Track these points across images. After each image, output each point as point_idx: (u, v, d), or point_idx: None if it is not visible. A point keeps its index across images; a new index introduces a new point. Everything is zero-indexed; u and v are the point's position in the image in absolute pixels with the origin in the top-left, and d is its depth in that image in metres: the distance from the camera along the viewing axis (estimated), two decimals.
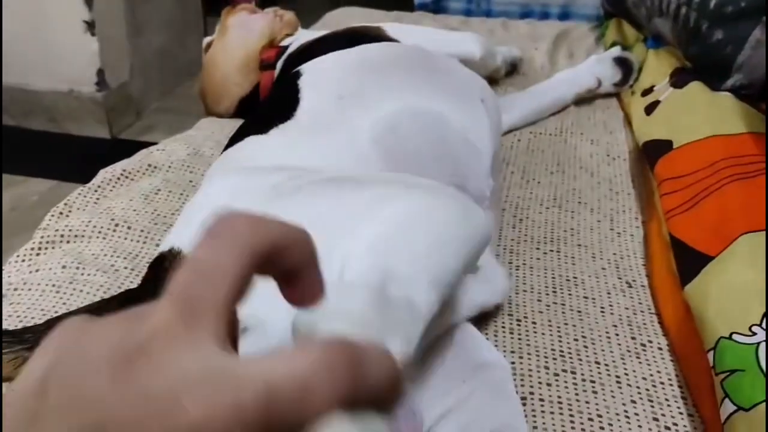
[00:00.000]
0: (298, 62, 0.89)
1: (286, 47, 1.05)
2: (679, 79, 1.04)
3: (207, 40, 1.16)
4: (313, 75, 0.79)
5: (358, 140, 0.69)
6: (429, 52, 0.88)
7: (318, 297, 0.29)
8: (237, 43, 1.08)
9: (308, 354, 0.22)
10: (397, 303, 0.43)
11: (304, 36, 1.07)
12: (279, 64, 1.02)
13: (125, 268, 0.75)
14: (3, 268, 0.76)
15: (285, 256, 0.27)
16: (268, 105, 0.85)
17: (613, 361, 0.66)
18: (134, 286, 0.70)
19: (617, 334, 0.70)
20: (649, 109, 1.04)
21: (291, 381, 0.21)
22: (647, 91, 1.10)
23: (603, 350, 0.68)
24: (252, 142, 0.70)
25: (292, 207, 0.54)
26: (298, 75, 0.79)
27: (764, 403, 0.50)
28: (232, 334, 0.26)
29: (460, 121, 0.77)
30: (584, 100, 1.21)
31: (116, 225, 0.80)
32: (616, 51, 1.22)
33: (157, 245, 0.78)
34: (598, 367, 0.66)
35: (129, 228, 0.80)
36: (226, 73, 1.07)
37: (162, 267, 0.56)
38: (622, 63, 1.21)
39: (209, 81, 1.10)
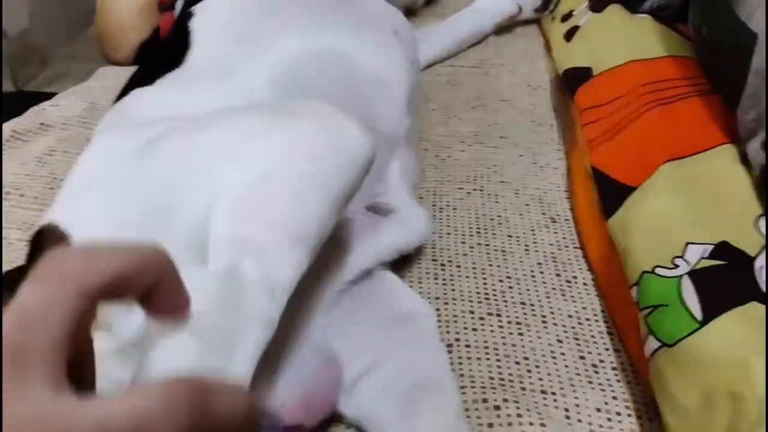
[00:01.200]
0: (192, 2, 0.82)
1: None
2: (597, 3, 1.02)
3: None
4: (205, 16, 0.72)
5: (255, 86, 0.63)
6: None
7: (182, 309, 0.30)
8: None
9: (148, 393, 0.22)
10: (251, 284, 0.41)
11: None
12: (178, 4, 0.95)
13: (19, 240, 0.69)
14: None
15: (133, 282, 0.27)
16: (156, 52, 0.78)
17: (539, 301, 0.65)
18: None
19: (542, 272, 0.69)
20: (569, 35, 1.01)
21: (126, 421, 0.21)
22: (567, 17, 1.07)
23: (528, 290, 0.67)
24: (137, 95, 0.64)
25: (156, 161, 0.50)
26: (189, 17, 0.72)
27: (688, 338, 0.50)
28: (79, 370, 0.26)
29: (370, 57, 0.72)
30: (504, 28, 1.17)
31: (7, 192, 0.74)
32: None
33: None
34: (524, 308, 0.64)
35: (22, 195, 0.74)
36: (122, 18, 0.99)
37: (40, 245, 0.51)
38: None
39: (105, 27, 1.02)
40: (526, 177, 0.82)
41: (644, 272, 0.57)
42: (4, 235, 0.69)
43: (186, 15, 0.74)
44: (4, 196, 0.73)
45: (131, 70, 0.99)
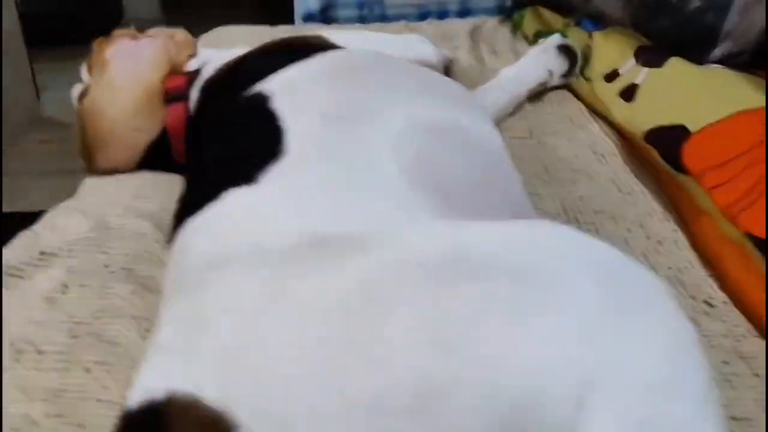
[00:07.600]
0: (227, 87, 0.68)
1: (197, 71, 0.82)
2: (650, 58, 0.93)
3: (79, 87, 0.89)
4: (288, 95, 0.57)
5: (385, 172, 0.49)
6: (400, 59, 0.70)
7: None
8: (126, 78, 0.83)
9: None
10: None
11: (214, 57, 0.84)
12: (194, 94, 0.79)
13: (46, 415, 0.50)
14: None
15: None
16: (226, 144, 0.61)
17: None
18: None
19: (737, 374, 0.55)
20: (627, 94, 0.91)
21: None
22: (611, 76, 0.98)
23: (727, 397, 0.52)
24: (240, 199, 0.48)
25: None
26: (264, 99, 0.57)
27: None
28: None
29: (480, 131, 0.59)
30: (534, 96, 1.06)
31: (18, 352, 0.54)
32: (556, 39, 1.09)
33: (88, 370, 0.54)
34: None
35: (39, 353, 0.55)
36: (118, 119, 0.81)
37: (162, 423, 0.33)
38: (567, 51, 1.08)
39: (94, 134, 0.83)
40: (651, 256, 0.69)
41: None
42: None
43: (257, 97, 0.58)
44: (16, 357, 0.54)
45: (128, 177, 0.82)
